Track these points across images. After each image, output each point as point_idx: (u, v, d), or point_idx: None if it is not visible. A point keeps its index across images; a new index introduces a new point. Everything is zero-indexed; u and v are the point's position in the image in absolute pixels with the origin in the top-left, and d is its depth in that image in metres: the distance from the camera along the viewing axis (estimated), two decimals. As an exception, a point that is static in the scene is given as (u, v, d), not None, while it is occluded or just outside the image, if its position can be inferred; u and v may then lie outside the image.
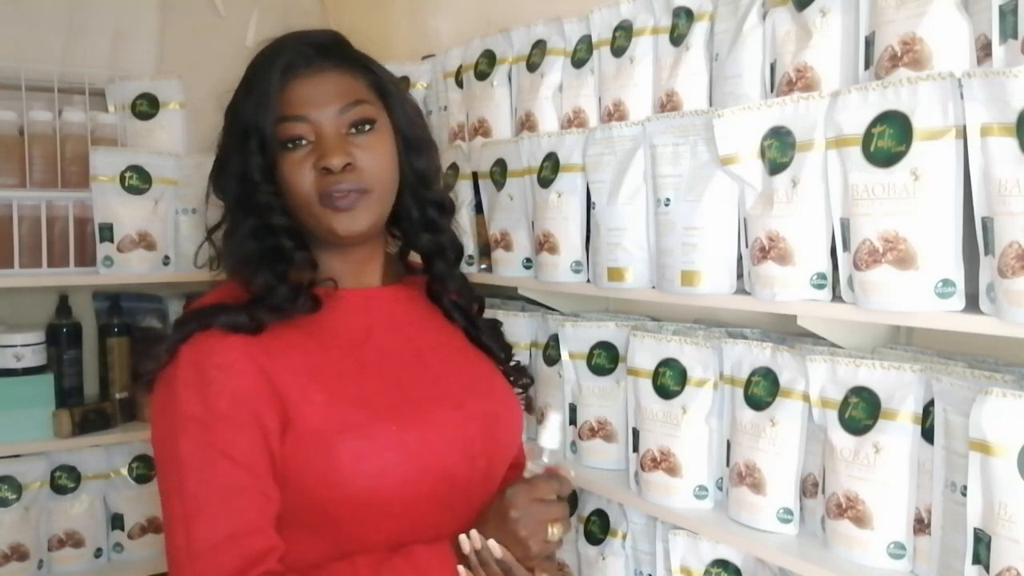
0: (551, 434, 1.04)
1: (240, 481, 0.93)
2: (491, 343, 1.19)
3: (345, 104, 1.02)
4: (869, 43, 1.09)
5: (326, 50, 1.04)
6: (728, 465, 1.30)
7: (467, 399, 1.06)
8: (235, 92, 1.05)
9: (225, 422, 0.93)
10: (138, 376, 1.03)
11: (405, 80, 1.95)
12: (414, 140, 1.10)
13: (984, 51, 0.99)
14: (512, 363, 1.22)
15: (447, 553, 0.96)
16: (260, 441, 0.94)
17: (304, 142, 1.01)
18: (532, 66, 1.65)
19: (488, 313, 1.25)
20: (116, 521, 2.13)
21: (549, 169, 1.49)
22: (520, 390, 1.21)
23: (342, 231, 1.02)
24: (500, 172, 1.63)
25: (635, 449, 1.40)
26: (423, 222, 1.13)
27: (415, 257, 1.20)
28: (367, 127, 1.03)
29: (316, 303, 1.02)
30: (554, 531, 0.99)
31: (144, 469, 2.14)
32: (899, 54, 1.03)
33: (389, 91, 1.08)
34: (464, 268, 1.26)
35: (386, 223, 1.09)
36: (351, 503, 0.96)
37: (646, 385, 1.38)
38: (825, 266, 1.11)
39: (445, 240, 1.15)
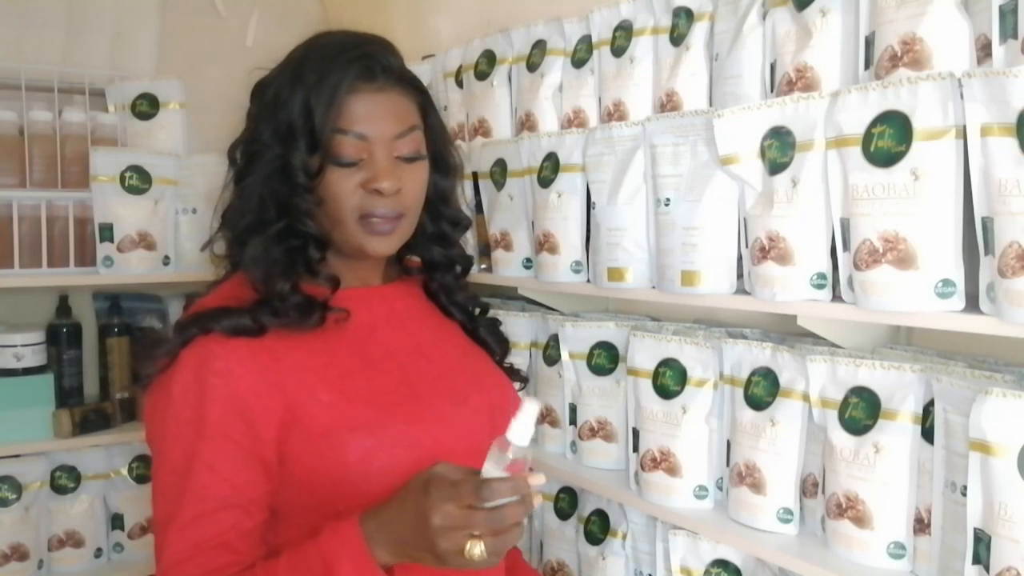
0: (522, 428, 0.85)
1: (218, 493, 0.93)
2: (488, 337, 1.19)
3: (403, 129, 1.02)
4: (869, 43, 1.09)
5: (390, 69, 1.04)
6: (728, 465, 1.30)
7: (471, 394, 1.07)
8: (279, 80, 1.02)
9: (214, 431, 0.93)
10: (139, 377, 1.02)
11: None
12: (442, 160, 1.12)
13: (984, 51, 0.99)
14: (506, 365, 1.22)
15: (350, 530, 0.87)
16: (248, 453, 0.94)
17: (357, 159, 1.00)
18: (532, 66, 1.65)
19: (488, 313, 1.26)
20: (116, 521, 2.14)
21: (549, 169, 1.49)
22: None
23: (374, 252, 1.03)
24: (500, 172, 1.63)
25: (635, 449, 1.40)
26: (436, 236, 1.15)
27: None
28: (417, 157, 1.04)
29: (323, 320, 1.00)
30: (472, 550, 0.81)
31: (144, 469, 2.13)
32: (899, 54, 1.04)
33: (429, 110, 1.09)
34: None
35: None
36: (360, 501, 0.95)
37: (646, 385, 1.38)
38: (825, 266, 1.11)
39: (455, 254, 1.17)
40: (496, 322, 1.24)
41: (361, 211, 1.01)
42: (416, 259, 1.19)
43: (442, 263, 1.16)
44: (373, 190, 1.00)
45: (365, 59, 1.01)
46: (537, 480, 0.85)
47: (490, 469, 0.84)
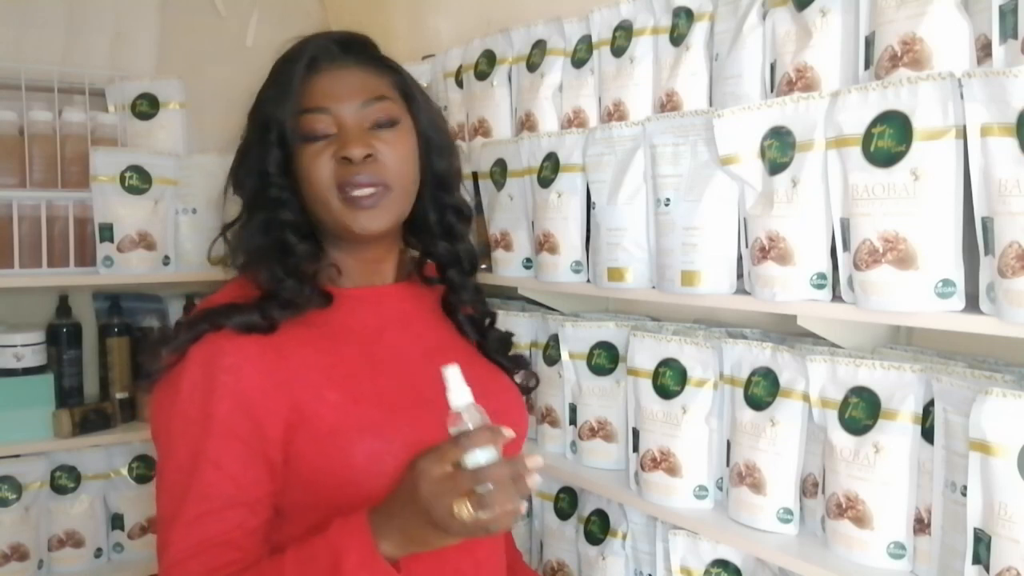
0: (457, 390, 0.87)
1: (223, 491, 0.93)
2: (503, 361, 1.18)
3: (368, 99, 1.02)
4: (869, 43, 1.09)
5: (350, 47, 1.05)
6: (728, 465, 1.30)
7: (477, 398, 1.06)
8: (260, 89, 1.05)
9: (221, 428, 0.93)
10: (146, 374, 1.01)
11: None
12: (435, 142, 1.11)
13: (984, 51, 0.99)
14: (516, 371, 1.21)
15: (359, 524, 0.88)
16: (255, 451, 0.94)
17: (325, 134, 1.01)
18: (532, 66, 1.65)
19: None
20: (116, 521, 2.14)
21: (549, 169, 1.49)
22: (525, 394, 1.21)
23: (359, 229, 1.01)
24: (500, 172, 1.63)
25: (635, 449, 1.40)
26: (441, 228, 1.13)
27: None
28: (390, 124, 1.03)
29: (326, 297, 1.01)
30: (461, 510, 0.81)
31: (144, 469, 2.14)
32: (899, 54, 1.04)
33: (412, 92, 1.09)
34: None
35: (404, 227, 1.10)
36: (365, 502, 0.95)
37: (646, 385, 1.38)
38: (825, 266, 1.11)
39: (462, 249, 1.16)
40: (508, 337, 1.22)
41: (337, 182, 1.00)
42: (432, 267, 1.18)
43: (449, 260, 1.15)
44: (342, 159, 0.99)
45: (321, 41, 1.04)
46: (509, 432, 0.85)
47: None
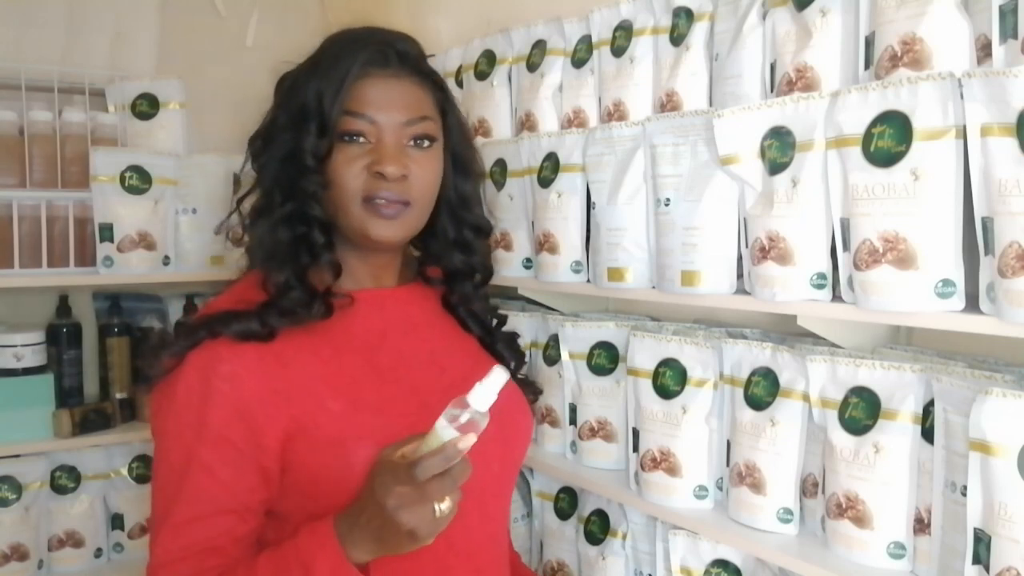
0: (485, 393, 0.85)
1: (214, 497, 0.93)
2: (505, 352, 1.19)
3: (412, 117, 1.02)
4: (869, 43, 1.09)
5: (405, 57, 1.04)
6: (728, 465, 1.30)
7: None
8: (299, 68, 1.04)
9: (216, 435, 0.93)
10: (144, 378, 1.01)
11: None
12: (463, 162, 1.12)
13: (984, 51, 0.99)
14: (520, 376, 1.21)
15: (326, 531, 0.89)
16: (249, 459, 0.94)
17: (363, 140, 1.00)
18: (532, 66, 1.65)
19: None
20: (116, 521, 2.13)
21: (549, 169, 1.49)
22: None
23: (376, 237, 1.02)
24: (500, 172, 1.63)
25: (635, 449, 1.40)
26: (458, 242, 1.14)
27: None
28: (426, 143, 1.03)
29: (330, 310, 1.00)
30: (441, 507, 0.84)
31: (144, 469, 2.13)
32: (899, 54, 1.04)
33: (450, 110, 1.09)
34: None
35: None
36: None
37: (646, 385, 1.38)
38: (825, 266, 1.11)
39: (476, 262, 1.16)
40: (514, 336, 1.23)
41: (365, 193, 1.00)
42: (436, 269, 1.18)
43: (462, 271, 1.15)
44: (377, 173, 0.99)
45: (380, 45, 1.03)
46: (467, 442, 0.84)
47: (443, 426, 0.85)
